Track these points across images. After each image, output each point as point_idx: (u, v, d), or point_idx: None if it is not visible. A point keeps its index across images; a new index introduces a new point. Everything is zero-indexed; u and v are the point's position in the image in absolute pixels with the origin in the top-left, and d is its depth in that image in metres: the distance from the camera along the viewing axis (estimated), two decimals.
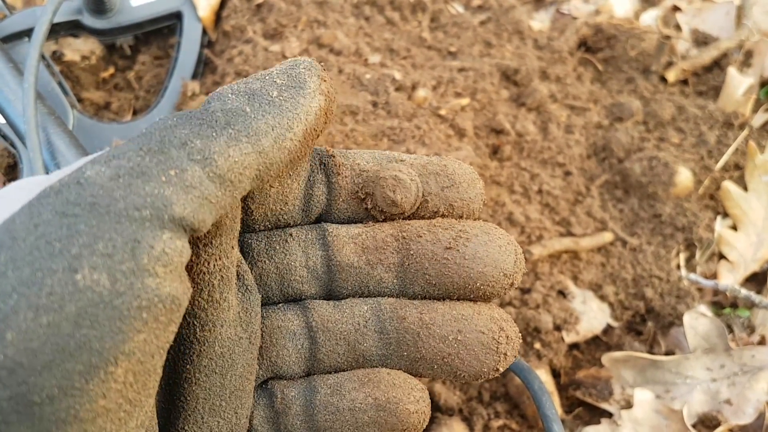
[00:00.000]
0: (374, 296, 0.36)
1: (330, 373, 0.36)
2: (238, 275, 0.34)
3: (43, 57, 0.87)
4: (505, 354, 0.34)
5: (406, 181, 0.35)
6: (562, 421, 0.71)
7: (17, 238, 0.24)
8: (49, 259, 0.23)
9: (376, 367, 0.36)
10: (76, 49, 0.98)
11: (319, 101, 0.31)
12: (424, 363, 0.35)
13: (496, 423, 0.72)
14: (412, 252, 0.35)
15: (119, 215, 0.24)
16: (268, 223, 0.35)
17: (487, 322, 0.34)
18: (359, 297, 0.36)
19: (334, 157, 0.35)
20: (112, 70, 0.99)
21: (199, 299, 0.31)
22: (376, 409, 0.34)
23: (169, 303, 0.25)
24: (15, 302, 0.23)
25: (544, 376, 0.74)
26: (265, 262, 0.35)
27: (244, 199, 0.34)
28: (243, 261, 0.34)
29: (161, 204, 0.25)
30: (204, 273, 0.30)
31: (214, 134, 0.27)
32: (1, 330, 0.22)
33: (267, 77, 0.30)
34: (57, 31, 0.93)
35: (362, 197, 0.36)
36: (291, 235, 0.36)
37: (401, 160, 0.35)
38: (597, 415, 0.74)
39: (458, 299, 0.35)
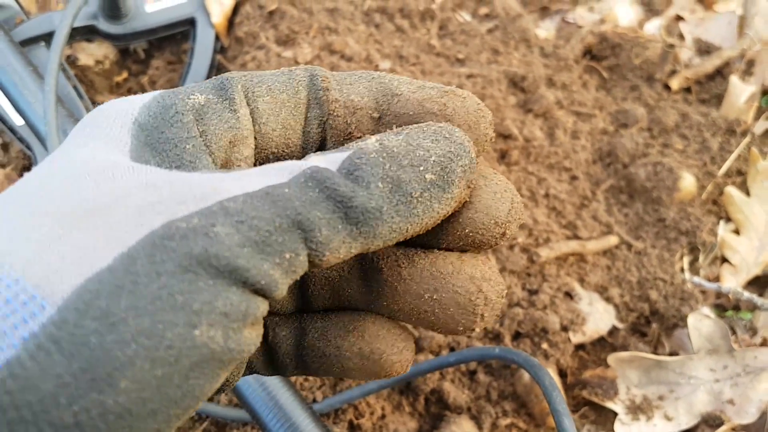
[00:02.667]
0: None
1: (319, 312, 0.36)
2: None
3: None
4: (482, 315, 0.32)
5: None
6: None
7: (139, 284, 0.24)
8: (171, 312, 0.23)
9: (362, 310, 0.35)
10: (91, 53, 1.00)
11: (449, 207, 0.29)
12: (402, 314, 0.34)
13: (504, 421, 0.73)
14: None
15: (236, 281, 0.25)
16: (268, 161, 0.34)
17: (465, 282, 0.32)
18: None
19: (328, 90, 0.33)
20: (125, 74, 1.01)
21: None
22: (360, 358, 0.34)
23: (254, 348, 0.27)
24: (133, 352, 0.23)
25: (551, 375, 0.75)
26: None
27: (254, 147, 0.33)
28: None
29: (269, 284, 0.26)
30: None
31: (339, 228, 0.27)
32: (116, 378, 0.22)
33: (422, 166, 0.28)
34: (73, 35, 0.94)
35: None
36: None
37: (397, 93, 0.33)
38: (603, 414, 0.76)
39: (447, 248, 0.33)
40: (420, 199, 0.28)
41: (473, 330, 0.32)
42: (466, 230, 0.31)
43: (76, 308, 0.23)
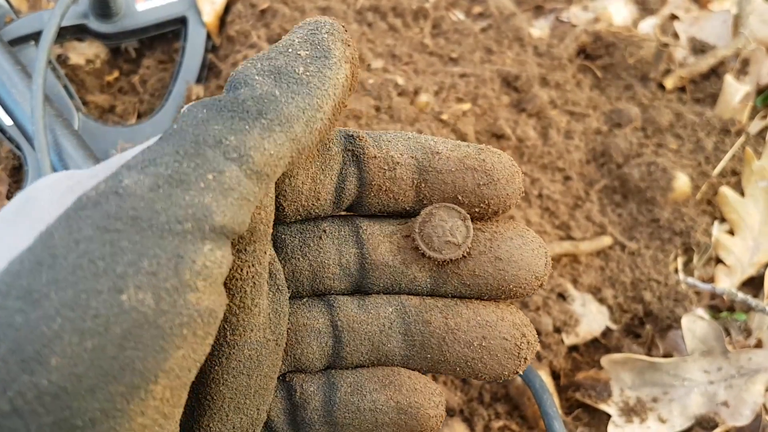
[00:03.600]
0: (405, 293, 0.36)
1: (350, 368, 0.36)
2: (270, 274, 0.33)
3: (49, 60, 0.88)
4: (525, 358, 0.35)
5: (461, 227, 0.34)
6: (563, 423, 0.72)
7: (58, 256, 0.23)
8: (93, 280, 0.22)
9: (397, 366, 0.36)
10: (81, 52, 0.99)
11: (345, 71, 0.29)
12: (446, 365, 0.35)
13: (497, 424, 0.72)
14: None
15: (162, 230, 0.23)
16: (299, 216, 0.35)
17: (510, 328, 0.35)
18: (388, 294, 0.36)
19: (366, 148, 0.34)
20: (116, 73, 1.00)
21: (231, 305, 0.30)
22: (397, 412, 0.35)
23: (207, 317, 0.25)
24: (59, 326, 0.22)
25: (544, 377, 0.75)
26: (298, 259, 0.35)
27: (276, 197, 0.33)
28: (276, 258, 0.34)
29: (202, 214, 0.24)
30: (237, 280, 0.30)
31: (247, 127, 0.26)
32: (46, 355, 0.22)
33: (290, 50, 0.28)
34: (63, 34, 0.94)
35: (414, 239, 0.35)
36: (325, 231, 0.35)
37: (437, 152, 0.34)
38: (596, 416, 0.75)
39: (487, 299, 0.35)
40: (308, 74, 0.28)
41: (517, 373, 0.35)
42: (511, 285, 0.34)
43: None
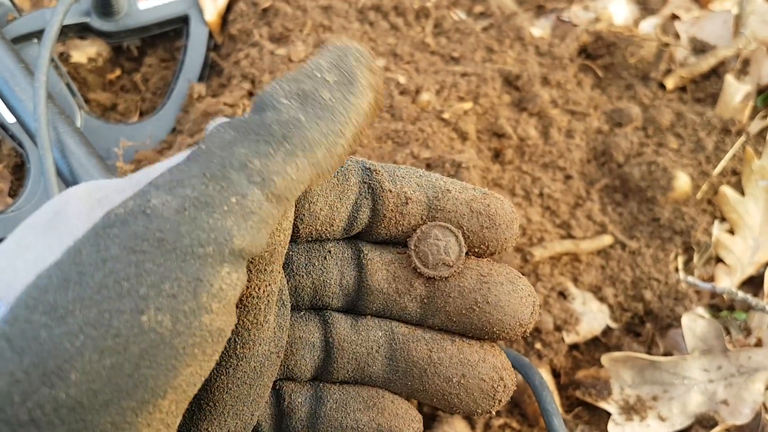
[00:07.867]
0: (394, 319, 0.38)
1: (335, 383, 0.38)
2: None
3: (51, 58, 0.88)
4: (500, 400, 0.37)
5: (454, 246, 0.36)
6: (563, 420, 0.72)
7: (84, 274, 0.24)
8: (117, 300, 0.23)
9: (379, 387, 0.38)
10: (83, 51, 0.99)
11: (369, 99, 0.30)
12: (424, 394, 0.37)
13: (497, 422, 0.72)
14: (439, 288, 0.37)
15: (185, 253, 0.24)
16: (311, 238, 0.36)
17: (490, 370, 0.36)
18: (379, 317, 0.38)
19: (382, 182, 0.36)
20: (118, 71, 1.01)
21: (245, 320, 0.32)
22: None
23: (217, 336, 0.26)
24: (81, 343, 0.23)
25: (544, 375, 0.75)
26: (303, 276, 0.37)
27: (293, 220, 0.34)
28: (282, 275, 0.35)
29: (223, 238, 0.25)
30: (254, 298, 0.31)
31: (271, 151, 0.27)
32: (66, 370, 0.23)
33: (317, 75, 0.29)
34: (65, 32, 0.94)
35: (409, 256, 0.37)
36: (330, 252, 0.37)
37: (447, 190, 0.36)
38: (596, 414, 0.75)
39: (471, 337, 0.37)
40: (333, 100, 0.28)
41: (490, 413, 0.36)
42: (494, 329, 0.36)
43: (26, 304, 0.24)
